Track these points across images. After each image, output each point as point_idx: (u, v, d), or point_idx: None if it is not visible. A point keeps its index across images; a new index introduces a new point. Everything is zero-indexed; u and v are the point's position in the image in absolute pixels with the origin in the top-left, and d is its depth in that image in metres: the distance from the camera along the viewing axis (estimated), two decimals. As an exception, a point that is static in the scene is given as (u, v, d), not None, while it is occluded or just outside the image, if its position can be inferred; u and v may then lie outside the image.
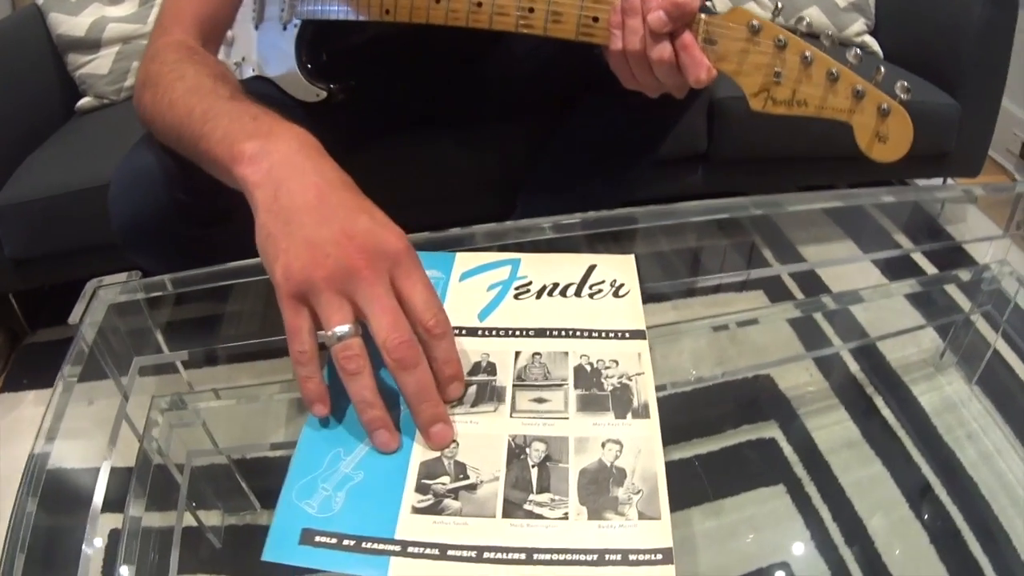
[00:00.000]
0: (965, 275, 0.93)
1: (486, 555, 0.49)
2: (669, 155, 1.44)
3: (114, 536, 0.67)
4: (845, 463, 0.92)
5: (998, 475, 0.86)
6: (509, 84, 1.14)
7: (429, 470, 0.54)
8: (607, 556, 0.49)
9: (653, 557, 0.49)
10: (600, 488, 0.53)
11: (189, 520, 0.78)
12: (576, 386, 0.61)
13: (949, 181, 1.55)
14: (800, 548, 0.84)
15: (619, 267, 0.72)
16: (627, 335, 0.65)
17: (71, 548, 0.62)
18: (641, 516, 0.51)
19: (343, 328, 0.54)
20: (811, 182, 1.63)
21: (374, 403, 0.54)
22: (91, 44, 1.62)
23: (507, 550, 0.49)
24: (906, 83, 0.64)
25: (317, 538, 0.50)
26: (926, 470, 0.89)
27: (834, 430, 0.97)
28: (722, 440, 0.98)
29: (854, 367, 1.05)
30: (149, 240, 0.80)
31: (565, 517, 0.51)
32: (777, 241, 1.25)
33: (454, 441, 0.56)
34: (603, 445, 0.56)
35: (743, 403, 1.04)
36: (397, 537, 0.50)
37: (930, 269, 1.12)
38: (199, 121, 0.66)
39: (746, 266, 1.10)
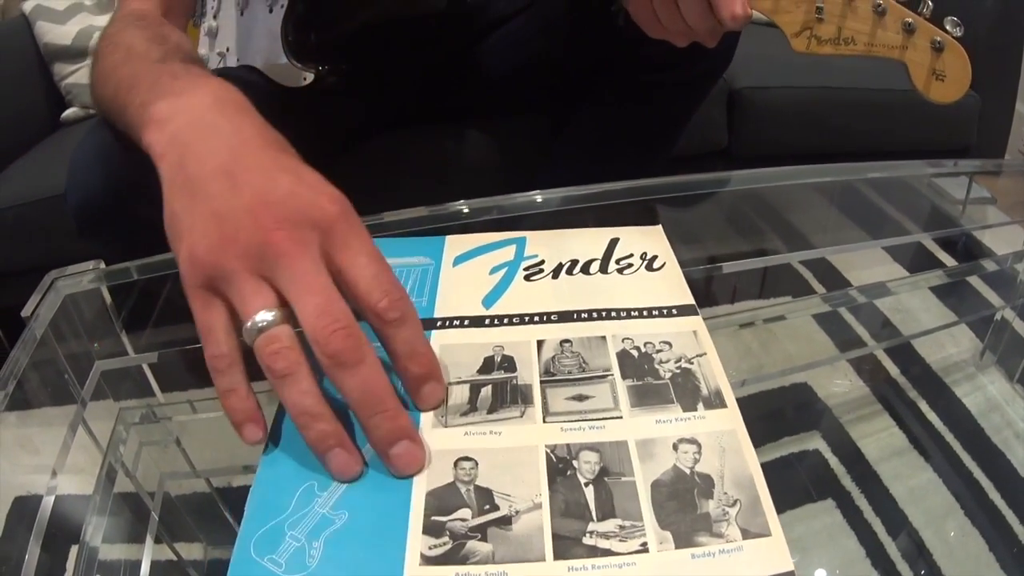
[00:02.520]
0: (991, 266, 0.84)
1: None
2: (687, 152, 1.34)
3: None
4: (895, 472, 0.82)
5: (1051, 473, 0.78)
6: (512, 75, 1.05)
7: (440, 502, 0.40)
8: None
9: None
10: (684, 504, 0.40)
11: (167, 553, 0.67)
12: (624, 376, 0.47)
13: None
14: (856, 567, 0.73)
15: (647, 238, 0.60)
16: (675, 311, 0.52)
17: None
18: (746, 534, 0.38)
19: (265, 315, 0.40)
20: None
21: (319, 413, 0.40)
22: (77, 53, 1.57)
23: None
24: (955, 18, 0.56)
25: None
26: (978, 474, 0.79)
27: (880, 437, 0.86)
28: (763, 455, 0.87)
29: (892, 369, 0.95)
30: (105, 223, 0.71)
31: (644, 549, 0.37)
32: (788, 231, 1.17)
33: (470, 460, 0.42)
34: (675, 447, 0.43)
35: (781, 413, 0.93)
36: None
37: (948, 261, 1.04)
38: (124, 90, 0.56)
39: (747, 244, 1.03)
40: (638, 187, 0.71)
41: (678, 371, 0.48)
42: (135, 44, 0.61)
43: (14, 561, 0.50)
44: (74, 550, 0.56)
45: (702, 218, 0.92)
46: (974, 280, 0.88)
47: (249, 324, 0.41)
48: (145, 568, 0.63)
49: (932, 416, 0.87)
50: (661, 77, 0.94)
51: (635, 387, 0.47)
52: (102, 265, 0.57)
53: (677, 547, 0.37)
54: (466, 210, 0.67)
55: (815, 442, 0.89)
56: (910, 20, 0.56)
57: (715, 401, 0.45)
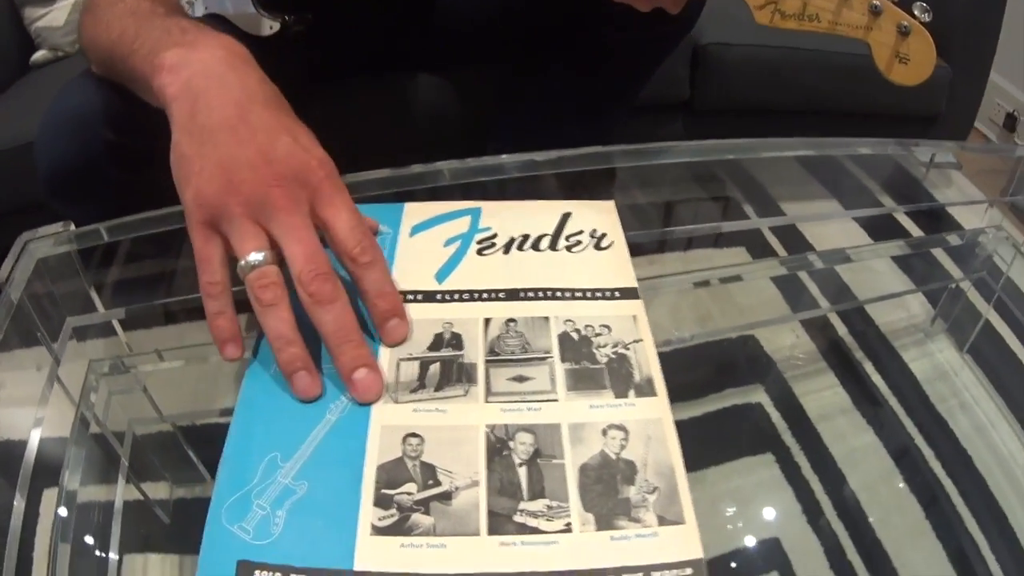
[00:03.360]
0: (955, 239, 0.85)
1: None
2: (649, 102, 1.34)
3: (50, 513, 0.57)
4: (836, 431, 0.85)
5: (992, 448, 0.80)
6: (475, 26, 1.04)
7: (390, 476, 0.43)
8: None
9: (680, 573, 0.39)
10: (607, 488, 0.42)
11: (135, 494, 0.70)
12: (563, 359, 0.49)
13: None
14: (791, 522, 0.77)
15: (598, 214, 0.61)
16: (617, 294, 0.54)
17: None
18: (661, 521, 0.41)
19: (257, 255, 0.47)
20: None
21: (292, 339, 0.47)
22: (48, -2, 1.51)
23: None
24: (924, 3, 0.56)
25: (257, 572, 0.38)
26: (919, 441, 0.82)
27: (824, 396, 0.89)
28: (706, 405, 0.90)
29: (842, 330, 0.97)
30: (76, 187, 0.71)
31: (568, 529, 0.40)
32: (755, 194, 1.17)
33: (417, 436, 0.45)
34: (604, 432, 0.45)
35: (727, 365, 0.95)
36: (357, 568, 0.39)
37: (915, 232, 1.06)
38: (130, 39, 0.59)
39: (722, 218, 1.03)
40: (601, 153, 0.72)
41: (614, 356, 0.50)
42: (140, 1, 0.64)
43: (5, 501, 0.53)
44: (46, 494, 0.58)
45: (668, 178, 0.93)
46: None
47: (243, 261, 0.47)
48: (118, 507, 0.66)
49: (877, 379, 0.90)
50: (625, 35, 0.94)
51: (573, 371, 0.49)
52: (72, 227, 0.58)
53: (598, 529, 0.40)
54: (427, 172, 0.68)
55: (758, 395, 0.91)
56: (877, 3, 0.56)
57: (646, 389, 0.47)
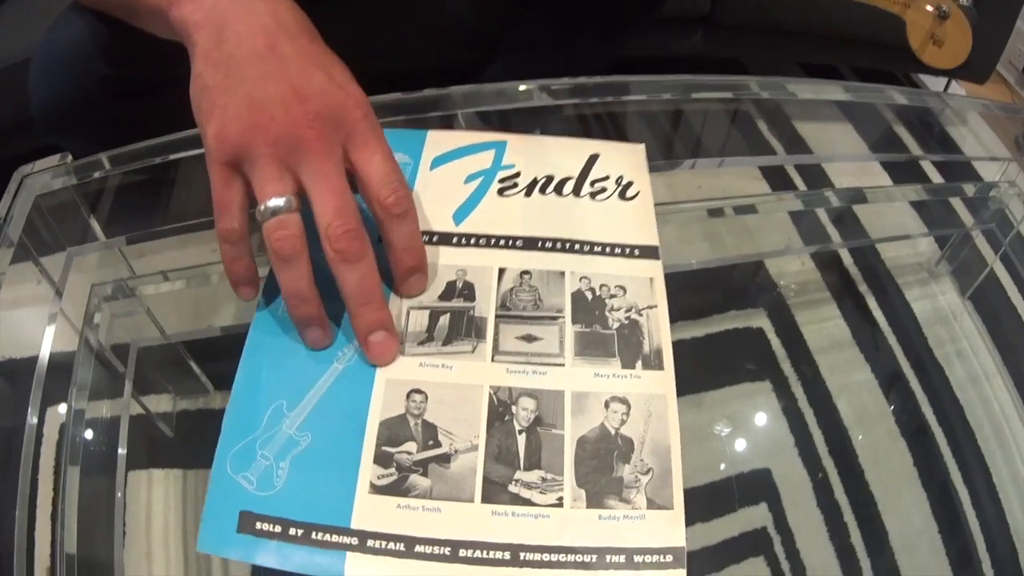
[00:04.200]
0: (970, 189, 0.85)
1: (462, 552, 0.39)
2: (668, 14, 1.29)
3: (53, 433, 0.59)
4: (833, 365, 0.85)
5: (984, 401, 0.80)
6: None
7: (391, 433, 0.43)
8: (608, 557, 0.39)
9: (661, 559, 0.39)
10: (602, 464, 0.43)
11: (138, 410, 0.71)
12: (575, 320, 0.48)
13: (954, 83, 1.45)
14: (783, 453, 0.78)
15: (627, 159, 0.58)
16: (637, 252, 0.52)
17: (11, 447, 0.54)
18: (651, 504, 0.41)
19: (278, 201, 0.44)
20: (814, 59, 1.50)
21: (309, 298, 0.45)
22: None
23: (488, 547, 0.39)
24: None
25: (258, 524, 0.39)
26: (914, 385, 0.82)
27: (824, 327, 0.89)
28: (708, 325, 0.90)
29: (847, 260, 0.96)
30: (72, 121, 0.68)
31: (559, 503, 0.41)
32: (771, 113, 1.14)
33: (421, 393, 0.45)
34: (606, 405, 0.45)
35: (731, 288, 0.94)
36: (354, 526, 0.40)
37: (931, 173, 1.04)
38: None
39: (745, 145, 1.00)
40: (619, 83, 0.69)
41: (626, 321, 0.49)
42: None
43: (12, 423, 0.55)
44: (51, 412, 0.59)
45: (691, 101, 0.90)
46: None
47: (263, 206, 0.44)
48: (124, 424, 0.67)
49: (879, 314, 0.90)
50: None
51: (582, 334, 0.48)
52: (69, 158, 0.56)
53: (588, 506, 0.41)
54: (439, 97, 0.66)
55: (760, 320, 0.91)
56: (919, -18, 0.53)
57: (654, 361, 0.47)
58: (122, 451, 0.66)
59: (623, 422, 0.44)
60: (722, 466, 0.76)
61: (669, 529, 0.41)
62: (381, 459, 0.42)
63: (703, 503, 0.73)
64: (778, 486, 0.76)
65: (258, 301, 0.49)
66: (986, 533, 0.73)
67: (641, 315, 0.49)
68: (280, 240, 0.43)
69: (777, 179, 1.08)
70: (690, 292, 0.93)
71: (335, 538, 0.39)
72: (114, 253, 0.63)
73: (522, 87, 0.68)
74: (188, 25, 0.48)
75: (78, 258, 0.59)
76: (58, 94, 0.68)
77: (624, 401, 0.45)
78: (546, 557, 0.39)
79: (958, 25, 0.55)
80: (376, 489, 0.41)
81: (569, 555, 0.40)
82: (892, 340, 0.87)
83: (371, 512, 0.40)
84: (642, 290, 0.50)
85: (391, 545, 0.39)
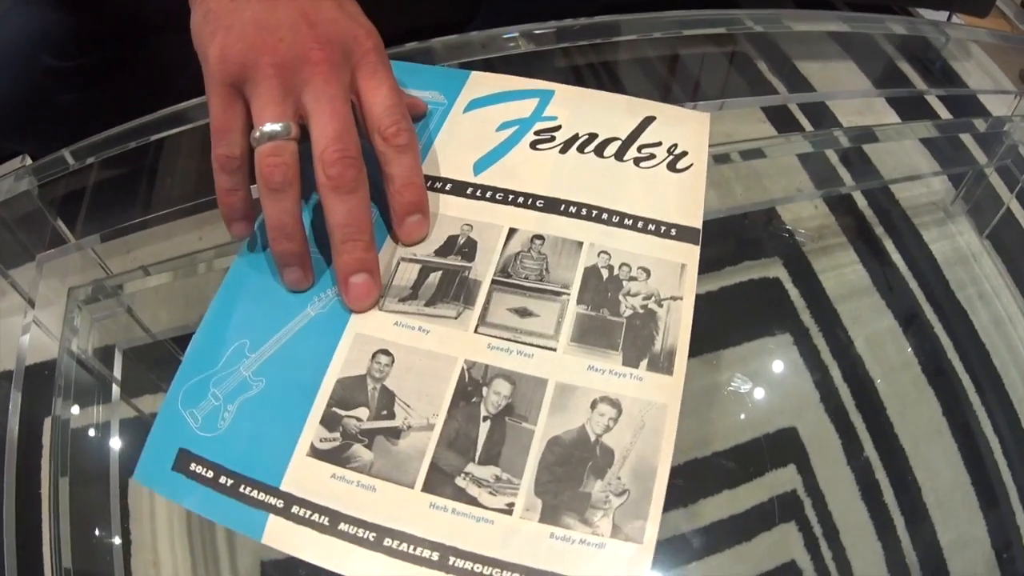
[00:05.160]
0: (981, 125, 0.80)
1: (387, 542, 0.35)
2: None
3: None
4: (855, 314, 0.81)
5: (1009, 345, 0.77)
6: None
7: (345, 394, 0.39)
8: None
9: None
10: (570, 474, 0.37)
11: (131, 413, 0.67)
12: (580, 300, 0.43)
13: (954, 17, 1.40)
14: (809, 411, 0.75)
15: (686, 126, 0.51)
16: (673, 232, 0.46)
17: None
18: (615, 532, 0.35)
19: (275, 126, 0.42)
20: None
21: (291, 233, 0.42)
22: None
23: (417, 542, 0.35)
24: None
25: (193, 465, 0.37)
26: (939, 330, 0.79)
27: (843, 273, 0.85)
28: (722, 279, 0.86)
29: (861, 203, 0.92)
30: (23, 118, 0.65)
31: (508, 510, 0.36)
32: (771, 54, 1.09)
33: (387, 354, 0.40)
34: (593, 405, 0.39)
35: (744, 238, 0.90)
36: (283, 487, 0.37)
37: (939, 109, 0.99)
38: None
39: (747, 87, 0.96)
40: (609, 24, 0.65)
41: (641, 311, 0.43)
42: None
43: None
44: (45, 423, 0.57)
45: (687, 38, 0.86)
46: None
47: (259, 131, 0.42)
48: (114, 429, 0.64)
49: (897, 258, 0.86)
50: None
51: (586, 316, 0.43)
52: (28, 160, 0.52)
53: (541, 520, 0.36)
54: (419, 47, 0.61)
55: (776, 270, 0.87)
56: None
57: (663, 363, 0.41)
58: (115, 457, 0.63)
59: (608, 428, 0.39)
60: (747, 428, 0.73)
61: (632, 567, 0.35)
62: (328, 420, 0.39)
63: (730, 468, 0.71)
64: (806, 445, 0.73)
65: (239, 247, 0.46)
66: (1018, 482, 0.70)
67: (661, 305, 0.43)
68: (272, 167, 0.41)
69: (782, 121, 1.03)
70: (702, 244, 0.89)
71: (262, 496, 0.37)
72: (89, 254, 0.59)
73: (506, 35, 0.63)
74: None
75: (52, 263, 0.56)
76: (6, 93, 0.65)
77: (615, 404, 0.39)
78: (476, 568, 0.35)
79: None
80: (315, 452, 0.38)
81: (504, 572, 0.35)
82: (913, 284, 0.84)
83: (304, 476, 0.37)
84: (669, 277, 0.44)
85: (315, 516, 0.36)
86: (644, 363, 0.41)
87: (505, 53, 0.63)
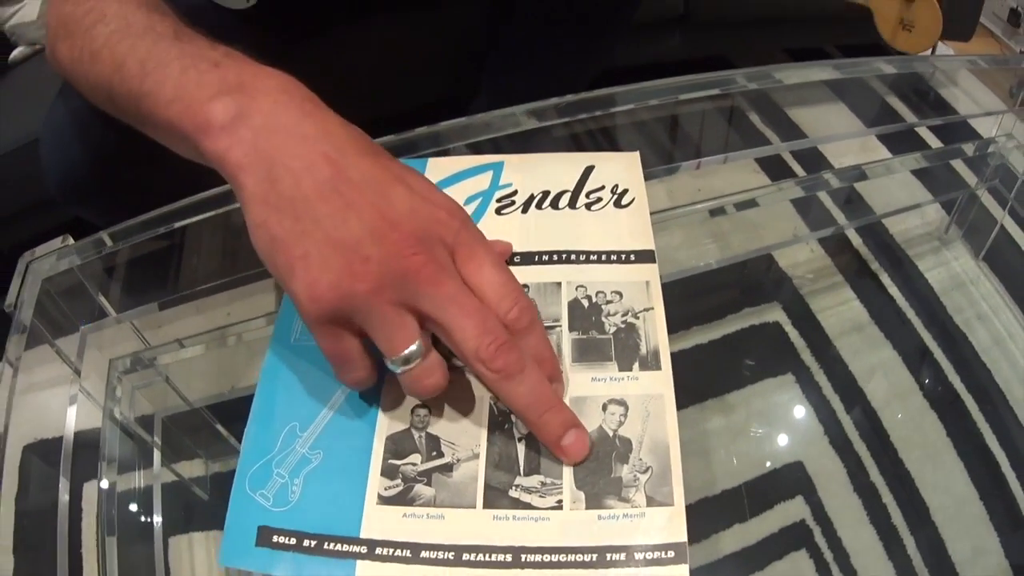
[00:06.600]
0: (970, 149, 0.84)
1: (465, 556, 0.41)
2: (644, 18, 1.29)
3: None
4: (855, 348, 0.84)
5: (1011, 361, 0.79)
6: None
7: (397, 447, 0.45)
8: (608, 556, 0.40)
9: (663, 555, 0.40)
10: (601, 466, 0.43)
11: (171, 477, 0.73)
12: (571, 328, 0.49)
13: (941, 44, 1.45)
14: (813, 444, 0.78)
15: (621, 167, 0.59)
16: (632, 257, 0.53)
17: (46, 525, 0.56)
18: (650, 502, 0.42)
19: (408, 351, 0.41)
20: (797, 44, 1.50)
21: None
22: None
23: (490, 550, 0.41)
24: None
25: (275, 538, 0.42)
26: (939, 355, 0.82)
27: (840, 311, 0.88)
28: (724, 327, 0.90)
29: (856, 240, 0.96)
30: (88, 188, 0.70)
31: (559, 506, 0.42)
32: (763, 105, 1.14)
33: (424, 408, 0.46)
34: (604, 408, 0.46)
35: (743, 285, 0.94)
36: (363, 535, 0.41)
37: (930, 139, 1.03)
38: (136, 75, 0.47)
39: (741, 141, 1.01)
40: (605, 97, 0.71)
41: (623, 325, 0.50)
42: (130, 16, 0.51)
43: (48, 502, 0.56)
44: (85, 488, 0.61)
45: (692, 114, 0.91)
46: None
47: (393, 361, 0.42)
48: (156, 492, 0.69)
49: (894, 290, 0.89)
50: None
51: (579, 340, 0.49)
52: (70, 240, 0.58)
53: (587, 507, 0.42)
54: (430, 132, 0.68)
55: (776, 314, 0.91)
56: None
57: (651, 362, 0.48)
58: (158, 519, 0.67)
59: (621, 423, 0.45)
60: (754, 465, 0.77)
61: (670, 525, 0.41)
62: (388, 471, 0.44)
63: (738, 505, 0.74)
64: (812, 477, 0.76)
65: (273, 332, 0.50)
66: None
67: (638, 318, 0.50)
68: (430, 388, 0.43)
69: (776, 170, 1.07)
70: (702, 295, 0.93)
71: (346, 547, 0.41)
72: (127, 327, 0.65)
73: (510, 112, 0.69)
74: (228, 165, 0.42)
75: (93, 335, 0.61)
76: (72, 162, 0.69)
77: (622, 403, 0.46)
78: (547, 558, 0.41)
79: (926, 6, 0.55)
80: (383, 500, 0.43)
81: (570, 555, 0.41)
82: (911, 314, 0.87)
83: (379, 522, 0.42)
84: (638, 294, 0.51)
85: (398, 552, 0.41)
86: (636, 365, 0.48)
87: (510, 132, 0.69)
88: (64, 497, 0.58)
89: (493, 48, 1.06)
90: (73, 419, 0.60)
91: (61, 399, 0.59)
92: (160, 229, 0.60)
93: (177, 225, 0.60)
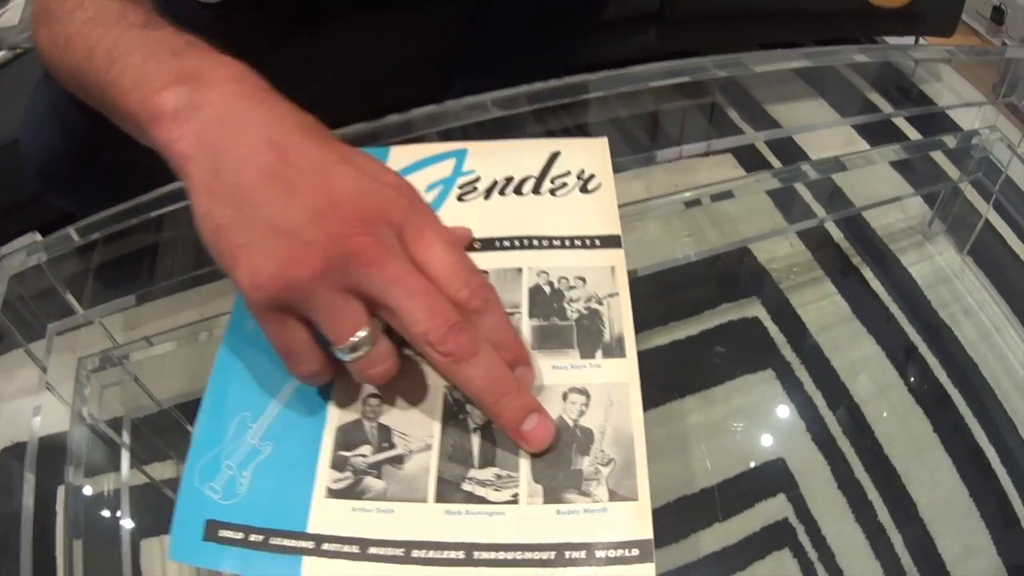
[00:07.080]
0: (951, 141, 0.82)
1: (415, 553, 0.38)
2: (617, 15, 1.27)
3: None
4: (836, 343, 0.84)
5: (998, 354, 0.79)
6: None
7: (347, 438, 0.42)
8: (568, 553, 0.38)
9: (627, 553, 0.37)
10: (560, 458, 0.41)
11: (142, 479, 0.70)
12: (531, 314, 0.47)
13: (922, 40, 1.45)
14: (795, 441, 0.77)
15: (588, 153, 0.57)
16: (597, 242, 0.51)
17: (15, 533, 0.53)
18: (612, 496, 0.39)
19: (355, 338, 0.39)
20: (774, 39, 1.49)
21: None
22: (-3, -3, 1.42)
23: (442, 546, 0.39)
24: None
25: (222, 532, 0.39)
26: (923, 350, 0.81)
27: (822, 305, 0.88)
28: (701, 322, 0.89)
29: (837, 235, 0.95)
30: (68, 176, 0.68)
31: (515, 500, 0.40)
32: (742, 101, 1.14)
33: (376, 397, 0.43)
34: (564, 396, 0.43)
35: (721, 280, 0.94)
36: (310, 530, 0.39)
37: (911, 133, 1.03)
38: (103, 62, 0.46)
39: (712, 130, 1.00)
40: (578, 84, 0.69)
41: (586, 312, 0.47)
42: (104, 4, 0.50)
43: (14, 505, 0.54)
44: (60, 490, 0.59)
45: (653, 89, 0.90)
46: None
47: (341, 350, 0.39)
48: (125, 494, 0.67)
49: (877, 285, 0.89)
50: None
51: (539, 327, 0.47)
52: (37, 236, 0.56)
53: (545, 502, 0.40)
54: (402, 122, 0.66)
55: (755, 309, 0.90)
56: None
57: (615, 349, 0.45)
58: (126, 522, 0.65)
59: (582, 413, 0.43)
60: (734, 463, 0.76)
61: (634, 522, 0.39)
62: (337, 463, 0.42)
63: (717, 503, 0.73)
64: (795, 475, 0.75)
65: (226, 322, 0.48)
66: (1021, 488, 0.72)
67: (602, 303, 0.48)
68: (379, 376, 0.40)
69: (753, 163, 1.07)
70: (678, 289, 0.92)
71: (292, 542, 0.39)
72: (97, 326, 0.63)
73: (480, 101, 0.68)
74: (175, 155, 0.41)
75: (67, 334, 0.59)
76: (51, 150, 0.67)
77: (583, 392, 0.44)
78: (501, 555, 0.38)
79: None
80: (332, 493, 0.41)
81: (526, 552, 0.38)
82: (894, 309, 0.86)
83: (327, 516, 0.40)
84: (603, 279, 0.49)
85: (346, 548, 0.39)
86: (599, 353, 0.45)
87: (482, 118, 0.67)
88: (28, 500, 0.55)
89: (468, 46, 1.04)
90: (39, 420, 0.58)
91: (31, 401, 0.57)
92: (131, 221, 0.58)
93: (145, 218, 0.58)
